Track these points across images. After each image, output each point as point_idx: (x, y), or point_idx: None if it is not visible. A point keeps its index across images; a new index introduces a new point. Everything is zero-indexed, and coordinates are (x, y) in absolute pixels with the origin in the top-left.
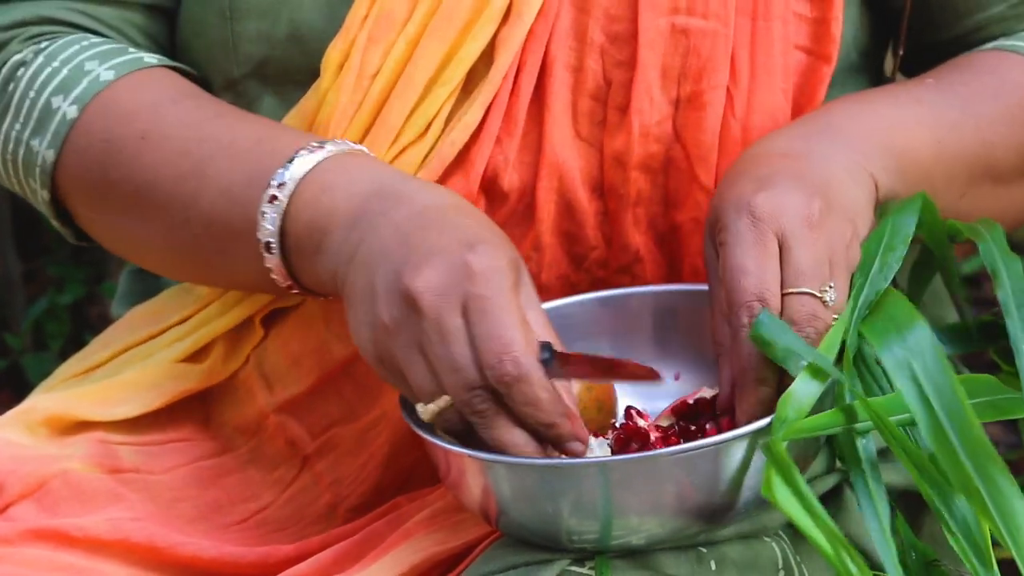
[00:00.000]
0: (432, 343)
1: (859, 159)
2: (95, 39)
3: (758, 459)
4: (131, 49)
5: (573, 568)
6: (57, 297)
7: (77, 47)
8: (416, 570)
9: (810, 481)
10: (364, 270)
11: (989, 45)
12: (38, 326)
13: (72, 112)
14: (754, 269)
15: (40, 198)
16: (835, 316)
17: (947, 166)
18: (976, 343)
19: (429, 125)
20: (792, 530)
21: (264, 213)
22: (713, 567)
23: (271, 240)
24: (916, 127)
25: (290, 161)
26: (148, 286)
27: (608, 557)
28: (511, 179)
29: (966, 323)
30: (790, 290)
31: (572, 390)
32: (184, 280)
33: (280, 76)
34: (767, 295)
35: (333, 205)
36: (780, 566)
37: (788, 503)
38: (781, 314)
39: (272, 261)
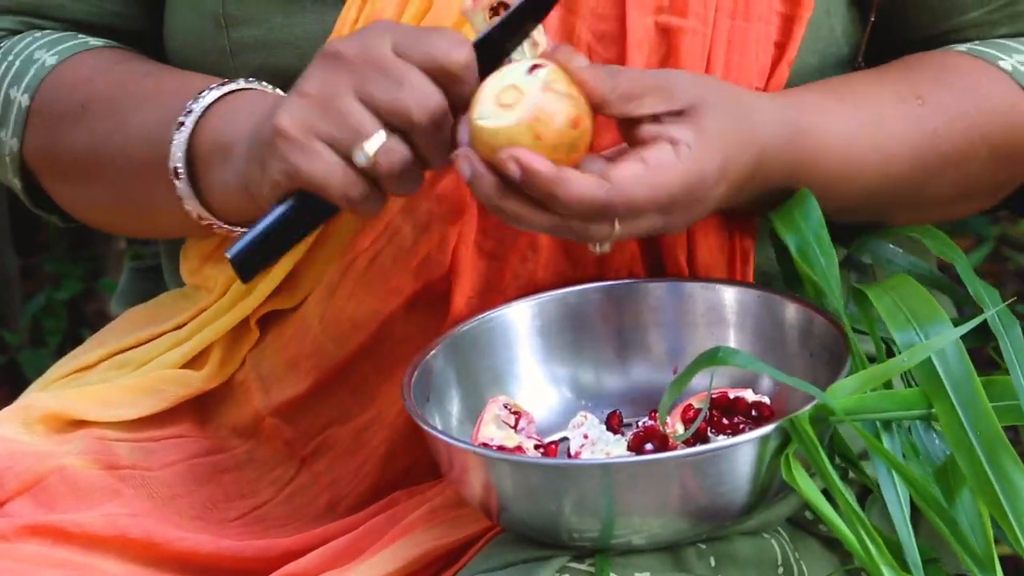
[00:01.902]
0: (373, 81)
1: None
2: (51, 33)
3: (763, 463)
4: (81, 37)
5: (573, 565)
6: (54, 293)
7: (30, 39)
8: (415, 564)
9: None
10: (268, 133)
11: (963, 47)
12: (35, 322)
13: (25, 100)
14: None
15: (15, 187)
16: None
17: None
18: (975, 340)
19: None
20: (792, 527)
21: (172, 141)
22: (713, 564)
23: (179, 165)
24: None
25: (200, 95)
26: (149, 285)
27: (608, 555)
28: None
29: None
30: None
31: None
32: (135, 235)
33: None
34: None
35: (236, 123)
36: (779, 563)
37: (808, 489)
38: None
39: (181, 188)
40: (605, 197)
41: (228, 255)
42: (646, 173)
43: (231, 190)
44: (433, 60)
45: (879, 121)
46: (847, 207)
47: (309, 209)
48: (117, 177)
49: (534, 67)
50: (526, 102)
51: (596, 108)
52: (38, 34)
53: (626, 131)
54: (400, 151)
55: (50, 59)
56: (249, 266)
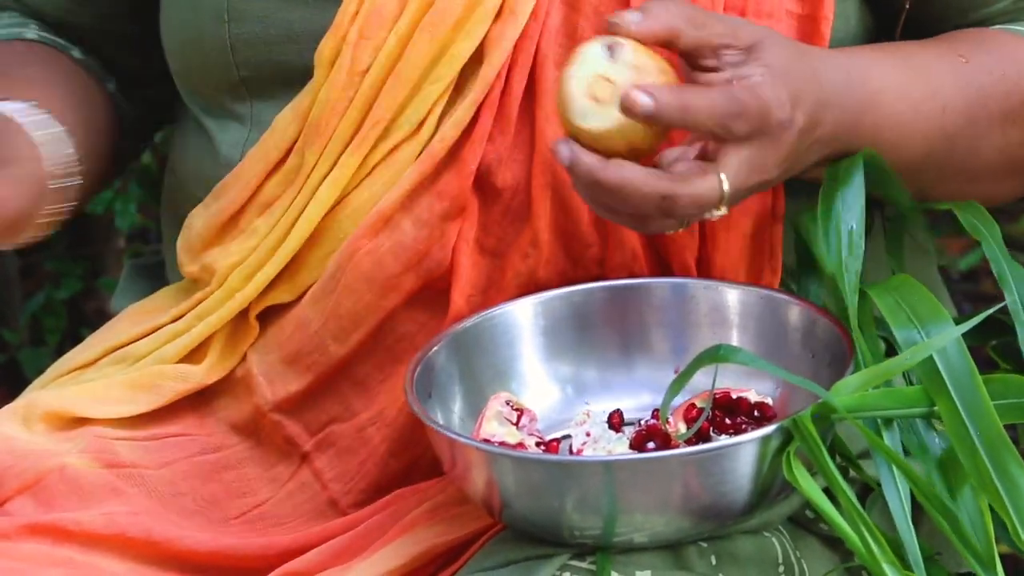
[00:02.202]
0: None
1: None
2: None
3: (764, 463)
4: (32, 28)
5: (574, 563)
6: (54, 292)
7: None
8: (416, 562)
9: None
10: None
11: (996, 26)
12: (35, 321)
13: None
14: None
15: None
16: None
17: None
18: (975, 338)
19: (422, 123)
20: (792, 525)
21: None
22: (713, 562)
23: None
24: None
25: None
26: (149, 282)
27: (609, 553)
28: (504, 176)
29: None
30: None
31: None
32: None
33: (278, 77)
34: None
35: None
36: (780, 561)
37: (809, 487)
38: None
39: None
40: (667, 190)
41: None
42: (750, 82)
43: None
44: None
45: (930, 71)
46: (912, 163)
47: None
48: None
49: (610, 47)
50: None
51: (669, 45)
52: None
53: (696, 79)
54: None
55: None
56: None
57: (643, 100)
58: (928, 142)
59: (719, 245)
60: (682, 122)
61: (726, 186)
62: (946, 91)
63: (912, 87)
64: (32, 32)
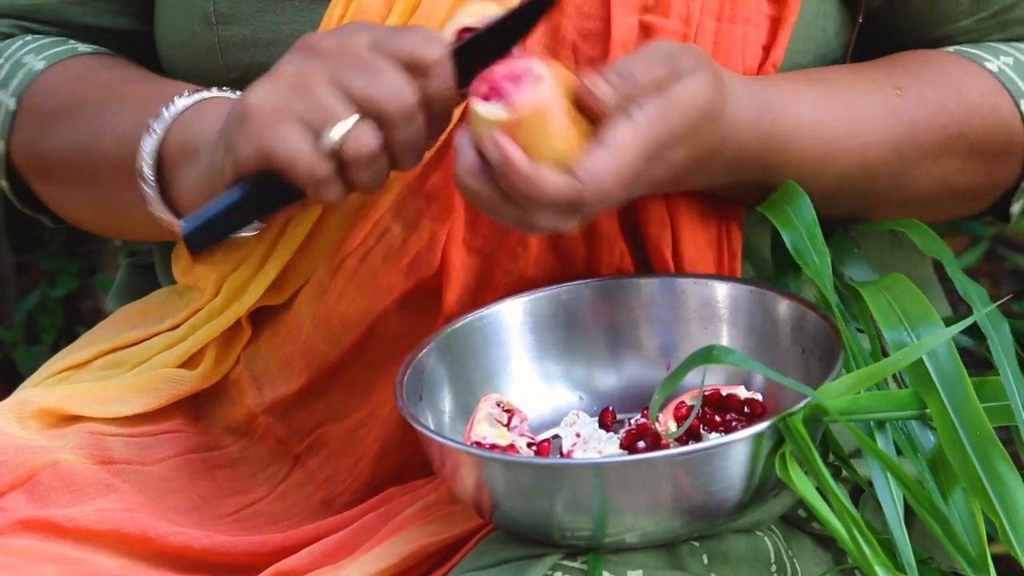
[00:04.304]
0: (348, 71)
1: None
2: (41, 38)
3: (756, 461)
4: (71, 43)
5: (565, 563)
6: (49, 290)
7: (20, 43)
8: (408, 561)
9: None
10: (239, 112)
11: (951, 48)
12: (30, 319)
13: (11, 104)
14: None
15: (3, 187)
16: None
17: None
18: (969, 339)
19: None
20: (785, 524)
21: (143, 145)
22: (706, 561)
23: (145, 168)
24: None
25: (172, 103)
26: (144, 282)
27: (601, 552)
28: None
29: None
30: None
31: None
32: (114, 236)
33: None
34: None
35: (205, 124)
36: (772, 560)
37: (804, 486)
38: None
39: (147, 191)
40: (575, 194)
41: (182, 228)
42: (609, 157)
43: (200, 188)
44: (407, 55)
45: (854, 106)
46: (826, 194)
47: (271, 190)
48: (93, 179)
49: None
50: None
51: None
52: (28, 38)
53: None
54: (368, 137)
55: (38, 64)
56: (201, 241)
57: (492, 152)
58: (843, 176)
59: (685, 236)
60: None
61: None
62: (869, 127)
63: (830, 125)
64: (85, 47)
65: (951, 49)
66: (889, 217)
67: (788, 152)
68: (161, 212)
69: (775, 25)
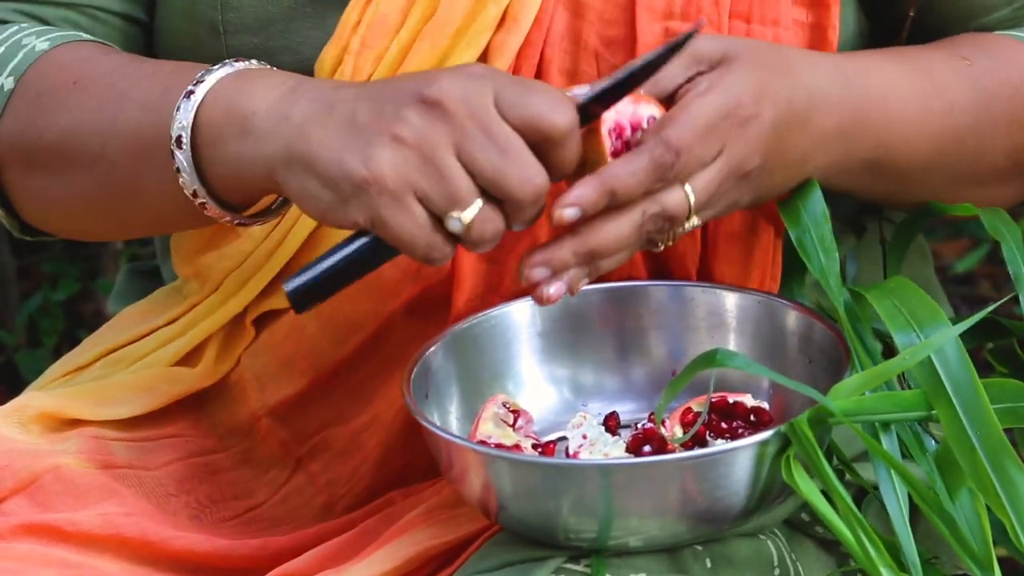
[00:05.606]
0: (477, 144)
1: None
2: (38, 25)
3: (761, 468)
4: (74, 32)
5: (569, 565)
6: (51, 294)
7: (16, 27)
8: (411, 564)
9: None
10: (329, 119)
11: (997, 32)
12: (32, 323)
13: (9, 84)
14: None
15: None
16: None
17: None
18: (971, 341)
19: None
20: (788, 528)
21: (179, 108)
22: (709, 565)
23: (183, 134)
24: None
25: (210, 69)
26: (145, 285)
27: (604, 555)
28: None
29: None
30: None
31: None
32: (107, 233)
33: None
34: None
35: (254, 92)
36: (775, 564)
37: (809, 490)
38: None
39: (181, 158)
40: (660, 145)
41: (286, 288)
42: (681, 114)
43: (244, 167)
44: (536, 123)
45: (934, 72)
46: (922, 162)
47: (378, 252)
48: (101, 156)
49: None
50: None
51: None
52: (25, 24)
53: None
54: (495, 221)
55: (41, 44)
56: (306, 300)
57: (568, 213)
58: (938, 142)
59: (720, 254)
60: (616, 203)
61: (692, 198)
62: (952, 91)
63: (918, 86)
64: (87, 36)
65: (996, 33)
66: (960, 199)
67: (887, 110)
68: (193, 183)
69: (813, 32)
